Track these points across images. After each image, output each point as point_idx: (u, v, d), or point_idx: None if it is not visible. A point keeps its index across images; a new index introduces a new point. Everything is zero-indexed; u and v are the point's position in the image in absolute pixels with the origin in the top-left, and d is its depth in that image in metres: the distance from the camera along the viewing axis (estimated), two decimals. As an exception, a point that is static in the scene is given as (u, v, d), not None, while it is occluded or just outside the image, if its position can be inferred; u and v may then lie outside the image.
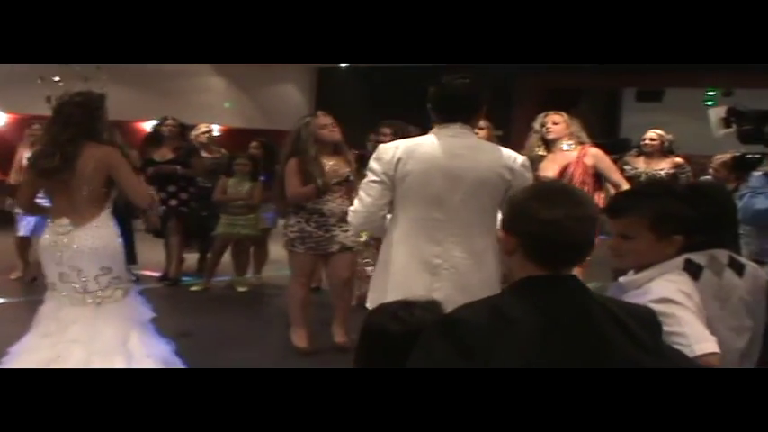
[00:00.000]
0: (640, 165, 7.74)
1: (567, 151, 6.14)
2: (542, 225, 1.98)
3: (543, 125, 6.26)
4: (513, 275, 2.10)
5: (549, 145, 6.23)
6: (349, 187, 6.17)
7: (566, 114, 6.32)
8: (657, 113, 17.39)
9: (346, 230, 6.12)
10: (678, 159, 7.82)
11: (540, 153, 6.19)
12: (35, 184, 4.85)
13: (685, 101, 17.83)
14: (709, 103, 17.34)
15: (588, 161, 6.05)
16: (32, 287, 8.06)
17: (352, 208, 3.79)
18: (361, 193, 3.71)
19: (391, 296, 3.46)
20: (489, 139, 5.90)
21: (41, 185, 4.84)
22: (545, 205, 1.99)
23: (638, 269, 2.67)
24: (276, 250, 9.23)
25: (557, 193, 2.09)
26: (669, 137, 7.91)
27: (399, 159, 3.59)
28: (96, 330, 4.55)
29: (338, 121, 6.40)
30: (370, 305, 3.57)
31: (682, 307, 2.46)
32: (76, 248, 4.59)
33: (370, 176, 3.67)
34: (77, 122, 4.62)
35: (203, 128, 9.68)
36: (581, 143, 6.16)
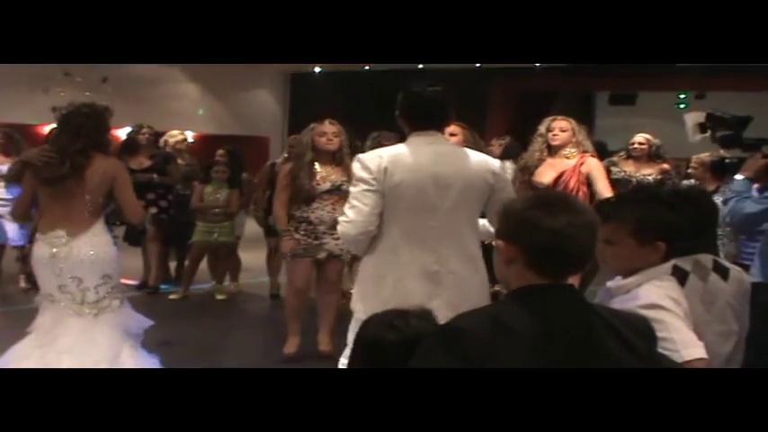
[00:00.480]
0: (629, 168, 7.78)
1: (568, 158, 6.10)
2: (546, 234, 1.97)
3: (550, 130, 6.19)
4: (508, 284, 2.09)
5: (551, 150, 6.17)
6: (341, 195, 6.14)
7: (573, 121, 6.27)
8: (631, 116, 17.52)
9: (337, 238, 6.08)
10: (665, 165, 7.90)
11: (540, 158, 6.15)
12: (35, 192, 4.78)
13: (658, 104, 17.97)
14: (682, 105, 17.51)
15: (584, 169, 6.02)
16: (6, 297, 7.99)
17: (344, 219, 3.67)
18: (355, 203, 3.62)
19: (393, 306, 3.49)
20: (467, 141, 5.89)
21: (43, 193, 4.76)
22: (548, 214, 1.98)
23: (627, 274, 2.67)
24: (249, 258, 9.25)
25: (557, 201, 2.08)
26: (657, 141, 7.99)
27: (386, 168, 3.57)
28: (92, 342, 4.54)
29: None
30: (362, 316, 3.55)
31: (670, 313, 2.47)
32: (76, 259, 4.59)
33: (363, 186, 3.60)
34: (87, 133, 4.66)
35: (179, 135, 9.62)
36: (584, 151, 6.13)
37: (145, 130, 8.90)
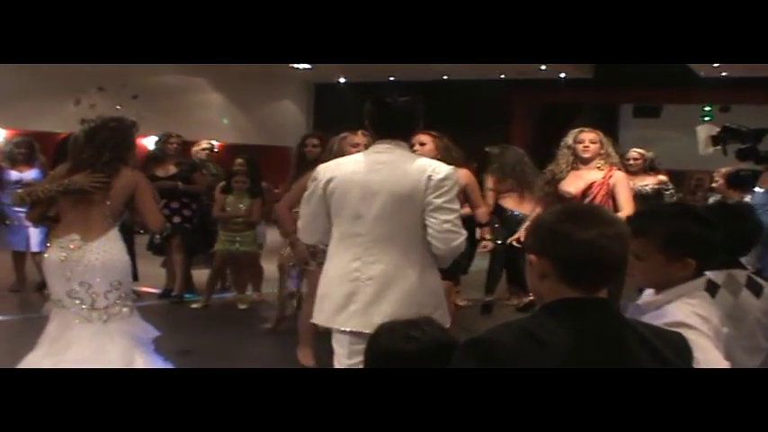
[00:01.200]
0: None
1: (599, 169, 6.05)
2: (579, 246, 1.96)
3: (580, 142, 6.12)
4: (542, 298, 2.06)
5: (580, 161, 6.12)
6: None
7: (601, 133, 6.25)
8: (655, 129, 17.48)
9: None
10: (662, 177, 7.96)
11: (569, 170, 6.11)
12: (55, 200, 4.81)
13: (682, 116, 17.88)
14: (707, 118, 17.43)
15: (611, 182, 5.98)
16: (30, 304, 8.07)
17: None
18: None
19: (321, 308, 3.76)
20: (439, 149, 5.99)
21: (63, 201, 4.77)
22: (579, 226, 1.97)
23: (658, 289, 2.61)
24: (272, 268, 9.26)
25: (587, 213, 2.07)
26: (650, 154, 8.07)
27: (329, 177, 3.69)
28: (102, 351, 4.53)
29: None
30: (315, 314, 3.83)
31: (696, 331, 2.39)
32: (88, 263, 4.59)
33: (309, 190, 3.78)
34: (113, 147, 4.72)
35: (204, 144, 9.71)
36: (611, 163, 6.10)
37: (173, 140, 8.98)
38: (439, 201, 3.54)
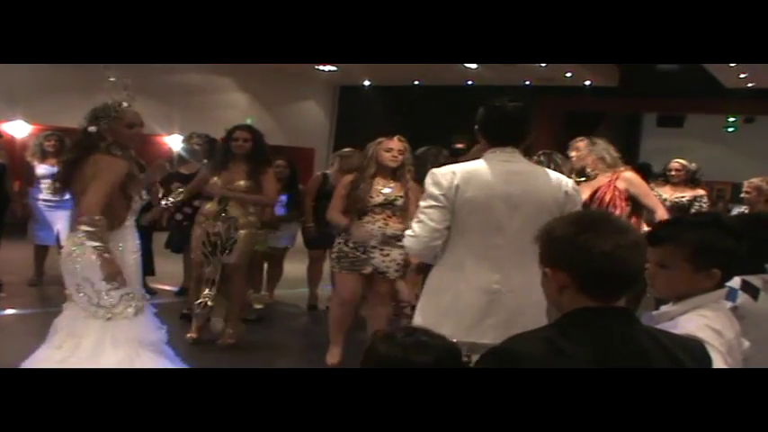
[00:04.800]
0: (666, 192, 7.81)
1: (598, 175, 6.11)
2: (597, 259, 1.96)
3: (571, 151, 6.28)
4: (562, 309, 2.07)
5: (583, 173, 6.19)
6: (394, 211, 6.21)
7: (586, 140, 6.31)
8: (678, 139, 17.40)
9: (387, 254, 6.17)
10: (700, 191, 7.93)
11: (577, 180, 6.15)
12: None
13: (706, 127, 17.82)
14: (730, 129, 17.35)
15: (621, 185, 6.02)
16: (48, 298, 8.17)
17: (410, 232, 3.70)
18: (423, 218, 3.64)
19: (446, 322, 3.44)
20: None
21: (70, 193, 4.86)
22: (596, 238, 1.97)
23: (676, 299, 2.59)
24: (292, 268, 9.29)
25: (601, 223, 2.06)
26: (693, 167, 8.04)
27: (458, 185, 3.57)
28: (103, 349, 4.56)
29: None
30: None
31: (707, 345, 2.33)
32: (88, 260, 4.57)
33: (431, 201, 3.62)
34: (96, 132, 4.68)
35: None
36: (611, 166, 6.14)
37: (196, 139, 9.05)
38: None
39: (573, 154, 6.23)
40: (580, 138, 6.40)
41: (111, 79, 4.76)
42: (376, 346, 2.18)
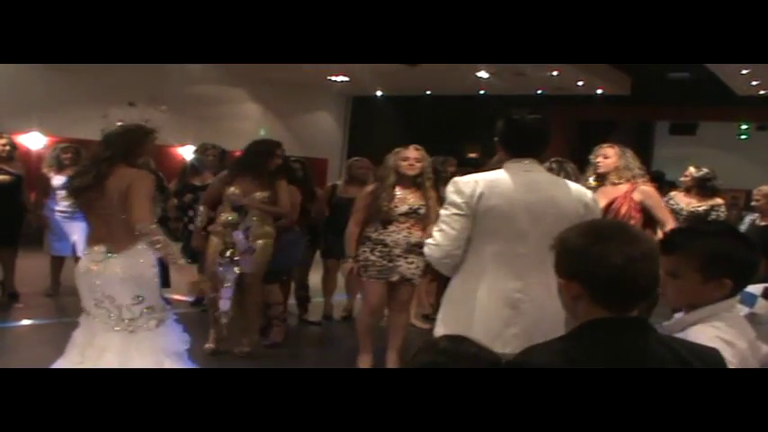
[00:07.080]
0: (682, 201, 7.77)
1: (616, 185, 6.11)
2: (611, 270, 1.96)
3: (596, 157, 6.27)
4: (577, 318, 2.07)
5: (602, 178, 6.21)
6: (417, 219, 6.28)
7: (617, 147, 6.30)
8: (691, 146, 17.35)
9: (412, 262, 6.27)
10: (718, 200, 7.87)
11: (592, 185, 6.11)
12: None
13: (719, 134, 17.77)
14: (743, 136, 17.30)
15: (636, 197, 6.03)
16: (64, 309, 8.21)
17: (431, 241, 3.71)
18: (444, 227, 3.65)
19: (469, 332, 3.40)
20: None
21: (78, 206, 4.88)
22: (609, 249, 1.97)
23: (687, 309, 2.56)
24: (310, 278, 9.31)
25: (615, 233, 2.05)
26: (701, 173, 7.97)
27: (481, 194, 3.58)
28: (128, 360, 4.56)
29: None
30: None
31: None
32: (109, 277, 4.60)
33: (453, 210, 3.63)
34: (117, 144, 4.73)
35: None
36: (632, 178, 6.13)
37: (210, 151, 9.11)
38: None
39: (599, 159, 6.21)
40: (608, 144, 6.40)
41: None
42: (421, 355, 2.11)
